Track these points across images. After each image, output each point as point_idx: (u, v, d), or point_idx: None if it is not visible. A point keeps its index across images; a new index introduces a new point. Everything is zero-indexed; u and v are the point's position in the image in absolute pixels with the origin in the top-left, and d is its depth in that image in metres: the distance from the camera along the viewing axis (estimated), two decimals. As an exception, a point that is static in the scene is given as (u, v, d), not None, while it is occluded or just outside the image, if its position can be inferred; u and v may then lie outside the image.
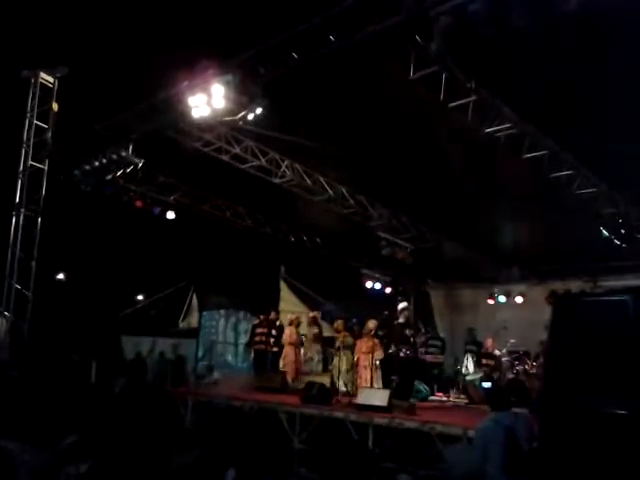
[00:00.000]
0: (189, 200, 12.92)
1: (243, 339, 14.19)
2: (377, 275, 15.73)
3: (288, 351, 11.48)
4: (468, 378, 11.06)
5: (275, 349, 12.02)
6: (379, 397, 8.28)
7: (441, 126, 8.32)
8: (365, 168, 10.48)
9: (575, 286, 11.87)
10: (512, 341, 11.64)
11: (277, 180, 11.42)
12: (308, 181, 11.66)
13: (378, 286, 16.00)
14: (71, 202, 12.21)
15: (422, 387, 10.38)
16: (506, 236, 11.75)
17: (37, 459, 3.68)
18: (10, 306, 11.95)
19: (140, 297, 18.89)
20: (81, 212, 12.81)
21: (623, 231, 10.33)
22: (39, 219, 12.36)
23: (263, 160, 10.90)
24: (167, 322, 16.72)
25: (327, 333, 12.19)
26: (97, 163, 10.59)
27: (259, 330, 12.47)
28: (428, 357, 11.91)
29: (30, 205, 12.32)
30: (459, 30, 5.82)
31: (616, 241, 10.44)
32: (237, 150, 10.57)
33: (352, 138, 9.19)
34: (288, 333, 11.62)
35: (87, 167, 10.80)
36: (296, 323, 11.72)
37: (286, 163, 11.21)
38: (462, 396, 11.08)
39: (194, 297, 17.35)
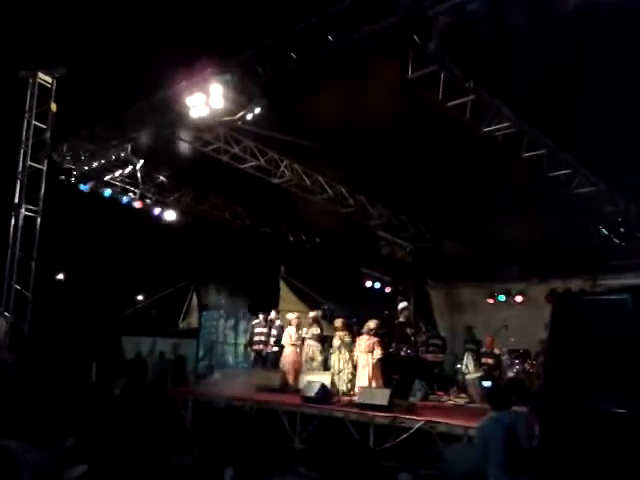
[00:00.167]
0: (189, 200, 12.92)
1: (243, 339, 14.18)
2: (377, 274, 15.73)
3: (288, 351, 11.48)
4: (468, 377, 11.05)
5: (275, 349, 12.04)
6: (379, 396, 8.28)
7: (439, 125, 8.31)
8: (364, 168, 10.45)
9: (575, 285, 11.84)
10: (512, 340, 11.62)
11: (276, 180, 11.41)
12: (307, 181, 11.65)
13: (378, 285, 16.02)
14: (70, 202, 12.21)
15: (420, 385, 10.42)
16: (505, 235, 11.74)
17: (40, 459, 3.66)
18: (10, 307, 11.95)
19: (140, 297, 18.94)
20: (80, 212, 12.84)
21: (622, 230, 10.34)
22: (38, 219, 12.36)
23: (262, 160, 10.89)
24: (167, 322, 16.76)
25: (327, 332, 12.18)
26: (96, 164, 10.61)
27: (259, 330, 12.50)
28: (429, 356, 11.88)
29: (29, 205, 12.32)
30: (457, 30, 5.83)
31: (615, 240, 10.44)
32: (236, 150, 10.56)
33: (351, 138, 9.17)
34: (288, 333, 11.63)
35: (86, 168, 10.81)
36: (296, 323, 11.73)
37: (285, 163, 11.20)
38: (462, 395, 11.08)
39: (194, 297, 17.36)
